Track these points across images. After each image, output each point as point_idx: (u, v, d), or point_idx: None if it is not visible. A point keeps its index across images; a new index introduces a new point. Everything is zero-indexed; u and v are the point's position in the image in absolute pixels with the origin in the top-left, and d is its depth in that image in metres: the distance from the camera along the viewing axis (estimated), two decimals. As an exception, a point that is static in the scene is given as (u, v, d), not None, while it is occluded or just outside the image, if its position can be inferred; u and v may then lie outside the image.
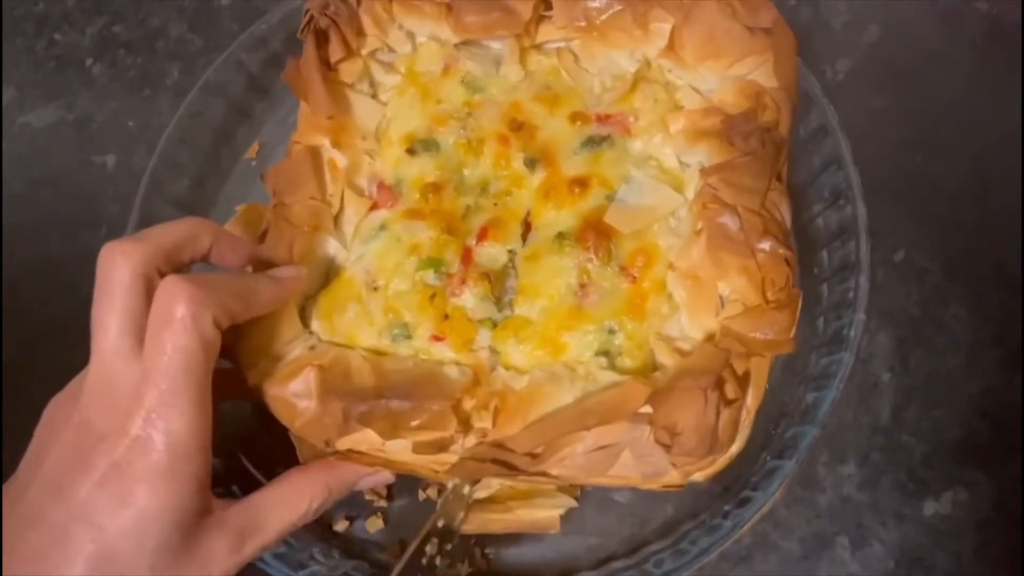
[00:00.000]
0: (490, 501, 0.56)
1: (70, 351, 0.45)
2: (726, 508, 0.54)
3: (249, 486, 0.49)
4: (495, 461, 0.47)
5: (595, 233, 0.52)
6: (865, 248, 0.56)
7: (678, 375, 0.46)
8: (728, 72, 0.55)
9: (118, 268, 0.42)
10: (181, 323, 0.40)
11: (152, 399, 0.40)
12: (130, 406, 0.40)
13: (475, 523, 0.55)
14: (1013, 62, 0.67)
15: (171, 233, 0.45)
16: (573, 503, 0.56)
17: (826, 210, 0.60)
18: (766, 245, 0.48)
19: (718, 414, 0.45)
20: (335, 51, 0.57)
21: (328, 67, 0.57)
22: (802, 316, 0.47)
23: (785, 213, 0.51)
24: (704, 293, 0.49)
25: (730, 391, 0.45)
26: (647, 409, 0.44)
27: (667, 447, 0.45)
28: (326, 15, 0.57)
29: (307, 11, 0.58)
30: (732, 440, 0.47)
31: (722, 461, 0.48)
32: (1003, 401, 0.58)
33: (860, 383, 0.59)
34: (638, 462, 0.46)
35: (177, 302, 0.40)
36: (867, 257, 0.55)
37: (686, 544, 0.54)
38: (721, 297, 0.49)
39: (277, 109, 0.70)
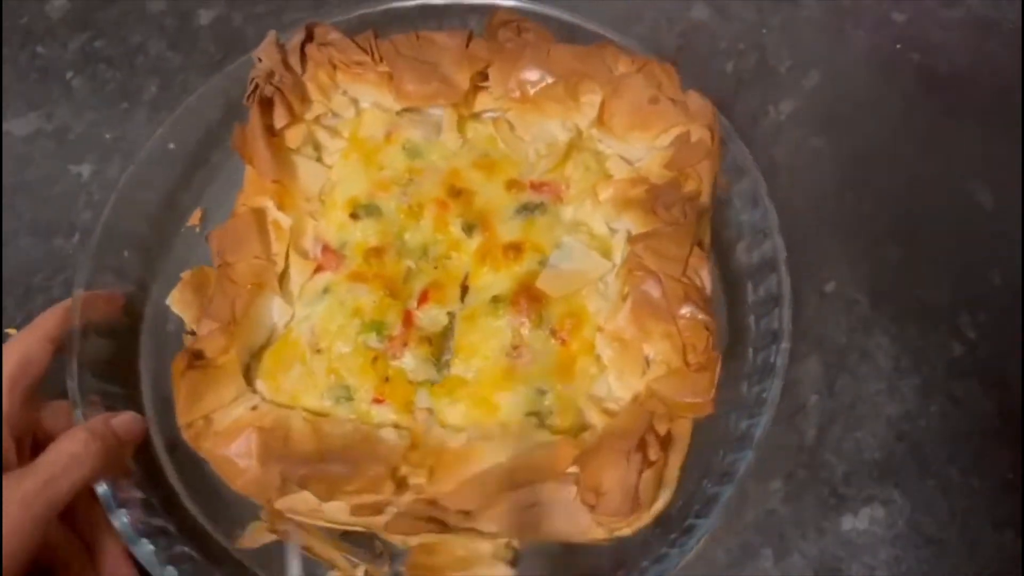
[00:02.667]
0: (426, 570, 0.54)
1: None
2: (672, 537, 0.54)
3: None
4: (428, 519, 0.48)
5: (528, 297, 0.55)
6: (786, 281, 0.58)
7: (604, 436, 0.49)
8: (654, 143, 0.58)
9: None
10: None
11: None
12: None
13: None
14: (942, 111, 0.72)
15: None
16: (510, 572, 0.53)
17: (749, 246, 0.63)
18: (686, 311, 0.51)
19: (640, 475, 0.47)
20: (279, 118, 0.60)
21: (272, 133, 0.59)
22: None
23: (705, 278, 0.53)
24: (630, 355, 0.52)
25: (652, 452, 0.47)
26: (574, 469, 0.47)
27: (591, 507, 0.47)
28: (271, 83, 0.59)
29: (253, 80, 0.60)
30: (654, 499, 0.49)
31: (646, 517, 0.49)
32: (920, 425, 0.62)
33: (788, 405, 0.63)
34: (566, 520, 0.48)
35: None
36: (788, 290, 0.58)
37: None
38: (647, 359, 0.52)
39: (217, 176, 0.68)
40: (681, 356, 0.51)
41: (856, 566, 0.58)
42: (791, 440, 0.62)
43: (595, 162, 0.60)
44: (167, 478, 0.56)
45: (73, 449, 0.46)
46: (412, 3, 0.68)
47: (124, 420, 0.52)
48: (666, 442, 0.49)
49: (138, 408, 0.57)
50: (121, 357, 0.59)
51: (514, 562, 0.54)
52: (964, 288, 0.66)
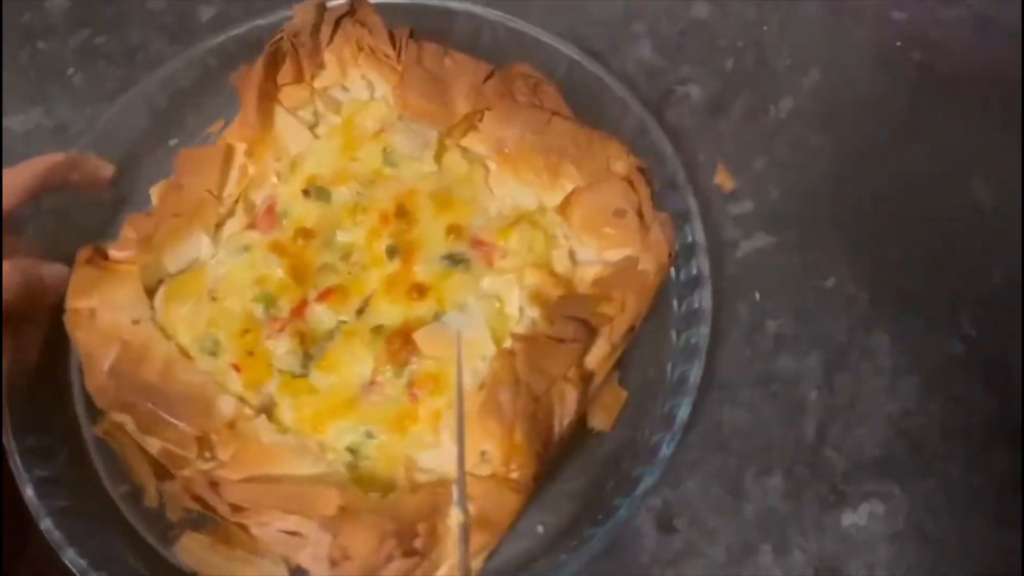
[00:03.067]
0: (218, 540, 0.54)
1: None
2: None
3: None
4: (199, 498, 0.49)
5: (403, 341, 0.54)
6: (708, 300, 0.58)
7: (390, 505, 0.48)
8: (603, 254, 0.57)
9: None
10: None
11: None
12: None
13: (192, 554, 0.54)
14: (942, 109, 0.72)
15: None
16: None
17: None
18: (521, 434, 0.50)
19: (388, 560, 0.46)
20: (284, 74, 0.61)
21: (274, 85, 0.61)
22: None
23: (567, 408, 0.52)
24: (467, 441, 0.50)
25: (419, 544, 0.47)
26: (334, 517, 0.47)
27: (333, 564, 0.47)
28: (291, 41, 0.60)
29: (281, 33, 0.62)
30: None
31: None
32: (919, 423, 0.62)
33: (788, 402, 0.63)
34: (315, 561, 0.48)
35: None
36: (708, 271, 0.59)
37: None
38: (483, 452, 0.51)
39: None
40: (506, 467, 0.50)
41: (856, 563, 0.58)
42: (791, 437, 0.62)
43: (542, 245, 0.58)
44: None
45: None
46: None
47: (52, 268, 0.56)
48: (434, 544, 0.48)
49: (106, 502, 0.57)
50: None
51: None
52: (965, 286, 0.66)
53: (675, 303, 0.61)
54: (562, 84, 0.64)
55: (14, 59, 0.81)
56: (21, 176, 0.55)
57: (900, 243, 0.67)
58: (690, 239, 0.60)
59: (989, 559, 0.58)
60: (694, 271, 0.59)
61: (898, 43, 0.75)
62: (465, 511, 0.47)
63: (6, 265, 0.52)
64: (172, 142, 0.70)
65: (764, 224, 0.68)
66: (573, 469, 0.58)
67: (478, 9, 0.69)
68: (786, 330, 0.65)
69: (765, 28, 0.76)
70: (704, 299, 0.58)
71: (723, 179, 0.69)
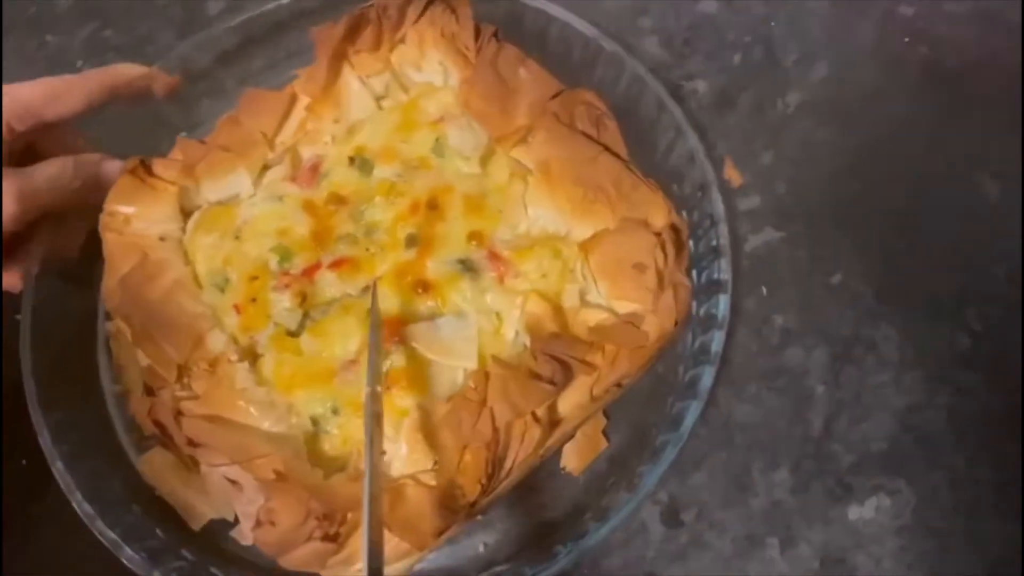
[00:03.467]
0: (181, 464, 0.56)
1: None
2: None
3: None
4: (159, 423, 0.53)
5: (392, 330, 0.54)
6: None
7: (327, 487, 0.49)
8: (612, 302, 0.55)
9: None
10: None
11: None
12: None
13: (154, 469, 0.56)
14: (949, 103, 0.72)
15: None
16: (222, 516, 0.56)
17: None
18: (472, 457, 0.50)
19: (307, 539, 0.48)
20: (363, 41, 0.62)
21: (350, 48, 0.62)
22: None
23: (525, 446, 0.51)
24: (420, 448, 0.51)
25: (341, 532, 0.49)
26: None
27: (258, 525, 0.49)
28: (379, 11, 0.61)
29: (373, 3, 0.63)
30: (308, 567, 0.50)
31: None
32: (926, 417, 0.62)
33: (795, 396, 0.63)
34: (244, 517, 0.52)
35: None
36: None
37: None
38: (435, 463, 0.51)
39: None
40: (450, 484, 0.50)
41: (862, 556, 0.59)
42: (797, 430, 0.62)
43: (557, 276, 0.56)
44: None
45: (54, 172, 0.55)
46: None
47: (112, 165, 0.59)
48: (346, 533, 0.49)
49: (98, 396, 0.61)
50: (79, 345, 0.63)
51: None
52: (970, 280, 0.66)
53: (694, 306, 0.60)
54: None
55: (22, 51, 0.81)
56: (89, 83, 0.57)
57: (906, 238, 0.68)
58: (714, 243, 0.59)
59: (995, 552, 0.58)
60: (716, 275, 0.59)
61: (906, 38, 0.75)
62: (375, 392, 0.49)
63: (70, 161, 0.56)
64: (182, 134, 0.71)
65: (772, 219, 0.69)
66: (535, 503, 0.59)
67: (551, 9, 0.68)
68: (793, 324, 0.65)
69: (773, 23, 0.76)
70: (722, 304, 0.57)
71: (731, 174, 0.69)
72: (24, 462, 0.64)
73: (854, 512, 0.60)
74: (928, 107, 0.72)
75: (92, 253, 0.63)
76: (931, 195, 0.69)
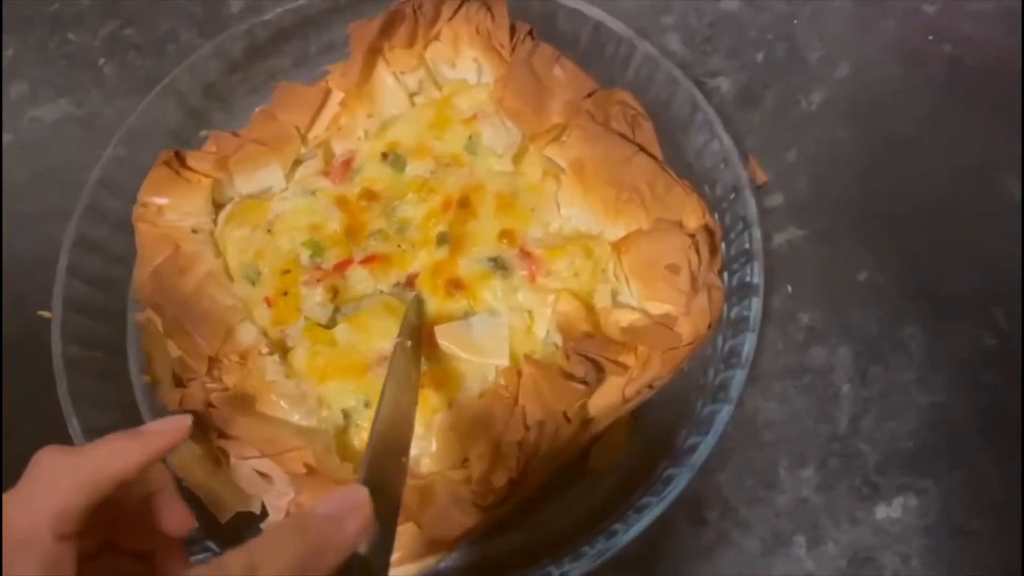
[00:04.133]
0: (208, 455, 0.54)
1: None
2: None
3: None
4: (198, 414, 0.52)
5: (430, 332, 0.54)
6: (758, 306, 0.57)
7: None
8: (644, 303, 0.55)
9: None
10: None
11: None
12: None
13: (180, 458, 0.54)
14: (973, 100, 0.72)
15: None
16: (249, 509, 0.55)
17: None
18: (503, 455, 0.49)
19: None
20: (398, 37, 0.62)
21: (386, 44, 0.62)
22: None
23: (557, 445, 0.51)
24: (449, 445, 0.51)
25: None
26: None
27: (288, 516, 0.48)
28: (414, 7, 0.62)
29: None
30: None
31: None
32: (952, 416, 0.62)
33: (821, 394, 0.63)
34: (274, 510, 0.51)
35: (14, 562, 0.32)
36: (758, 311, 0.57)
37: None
38: (465, 460, 0.50)
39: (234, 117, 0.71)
40: (480, 481, 0.49)
41: (889, 555, 0.58)
42: (823, 429, 0.62)
43: (588, 276, 0.56)
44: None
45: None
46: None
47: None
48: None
49: (126, 385, 0.61)
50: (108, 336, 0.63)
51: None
52: (996, 278, 0.66)
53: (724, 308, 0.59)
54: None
55: (44, 49, 0.81)
56: (141, 441, 0.38)
57: (932, 236, 0.67)
58: (747, 246, 0.59)
59: (1022, 550, 0.58)
60: (747, 279, 0.58)
61: (929, 36, 0.75)
62: None
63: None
64: (202, 133, 0.71)
65: (795, 217, 0.68)
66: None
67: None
68: (818, 322, 0.65)
69: (795, 21, 0.76)
70: (754, 308, 0.57)
71: (754, 172, 0.69)
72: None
73: (881, 511, 0.59)
74: (951, 105, 0.72)
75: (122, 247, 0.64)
76: (955, 193, 0.69)
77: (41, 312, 0.68)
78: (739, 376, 0.55)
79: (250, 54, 0.72)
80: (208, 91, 0.71)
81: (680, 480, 0.53)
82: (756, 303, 0.57)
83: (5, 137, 0.77)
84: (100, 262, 0.64)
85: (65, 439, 0.55)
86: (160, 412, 0.60)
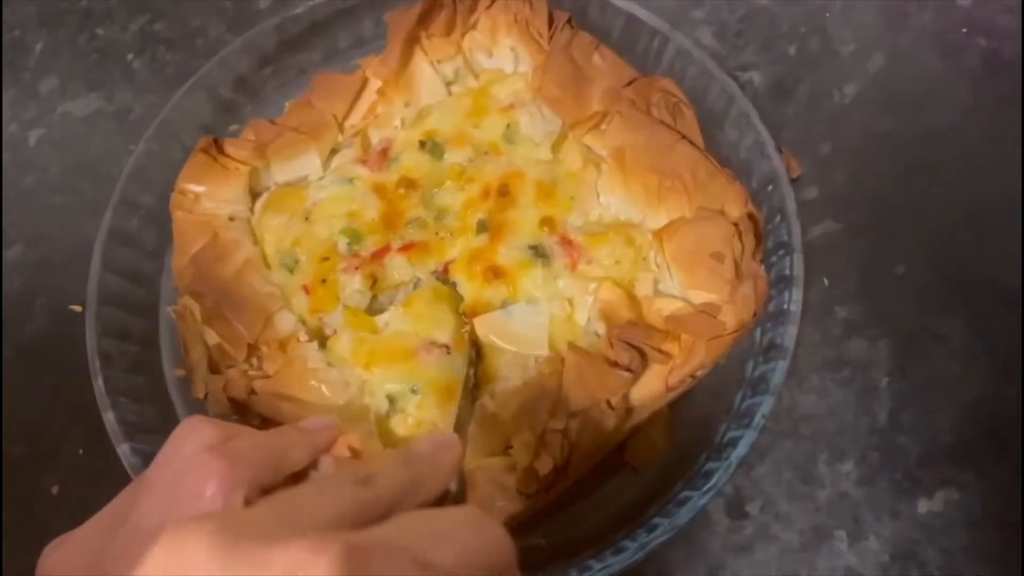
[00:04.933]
0: None
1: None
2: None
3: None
4: (234, 400, 0.52)
5: (467, 319, 0.54)
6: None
7: None
8: (687, 292, 0.54)
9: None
10: (209, 506, 0.34)
11: None
12: None
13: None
14: (1008, 94, 0.71)
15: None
16: None
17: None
18: (548, 443, 0.49)
19: None
20: (437, 25, 0.62)
21: (423, 32, 0.62)
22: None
23: (601, 434, 0.50)
24: (491, 432, 0.51)
25: None
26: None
27: None
28: None
29: None
30: None
31: None
32: (995, 409, 0.61)
33: (860, 387, 0.62)
34: None
35: (206, 483, 0.34)
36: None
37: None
38: (508, 449, 0.50)
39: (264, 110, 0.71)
40: (524, 470, 0.49)
41: (932, 550, 0.58)
42: (863, 422, 0.61)
43: (630, 264, 0.55)
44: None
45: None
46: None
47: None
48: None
49: (159, 379, 0.61)
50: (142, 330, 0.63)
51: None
52: (1037, 271, 0.65)
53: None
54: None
55: (74, 44, 0.82)
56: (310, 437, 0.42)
57: (970, 229, 0.67)
58: (785, 238, 0.58)
59: (1067, 546, 0.57)
60: (786, 271, 0.57)
61: (963, 29, 0.74)
62: None
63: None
64: (232, 127, 0.71)
65: (831, 210, 0.68)
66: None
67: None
68: (856, 315, 0.64)
69: (827, 14, 0.76)
70: (795, 299, 0.56)
71: (789, 165, 0.69)
72: (81, 451, 0.64)
73: (923, 505, 0.59)
74: (987, 98, 0.71)
75: (154, 241, 0.64)
76: (993, 186, 0.68)
77: (72, 306, 0.69)
78: (780, 368, 0.55)
79: (280, 48, 0.72)
80: (239, 85, 0.71)
81: (721, 473, 0.53)
82: (797, 293, 0.56)
83: (37, 131, 0.77)
84: (133, 255, 0.64)
85: (97, 432, 0.55)
86: (195, 406, 0.60)
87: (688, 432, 0.59)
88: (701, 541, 0.58)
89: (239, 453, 0.36)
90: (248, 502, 0.35)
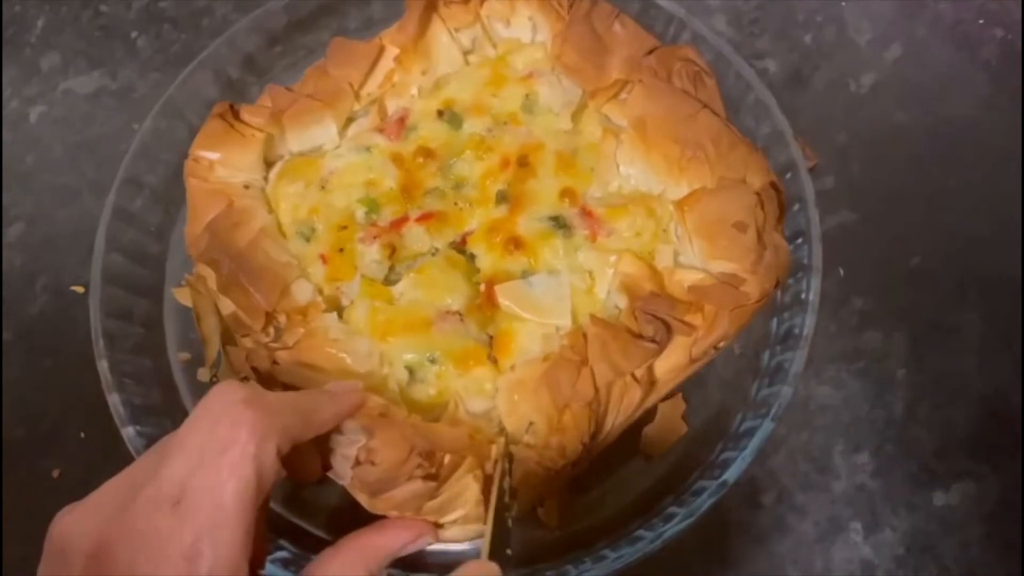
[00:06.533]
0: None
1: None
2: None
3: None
4: (257, 370, 0.51)
5: (487, 289, 0.53)
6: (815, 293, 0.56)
7: (428, 429, 0.46)
8: (709, 263, 0.53)
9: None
10: (242, 453, 0.35)
11: (201, 523, 0.34)
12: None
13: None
14: (1025, 85, 0.71)
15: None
16: None
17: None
18: (572, 417, 0.48)
19: (408, 478, 0.44)
20: None
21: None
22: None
23: (626, 406, 0.50)
24: (517, 407, 0.50)
25: (443, 472, 0.45)
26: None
27: (357, 463, 0.44)
28: None
29: None
30: (402, 509, 0.46)
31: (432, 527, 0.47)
32: (1011, 402, 0.61)
33: (876, 379, 0.62)
34: (342, 459, 0.45)
35: (239, 430, 0.35)
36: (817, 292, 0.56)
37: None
38: (531, 423, 0.49)
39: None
40: (547, 446, 0.48)
41: (948, 543, 0.57)
42: (879, 414, 0.61)
43: (651, 236, 0.54)
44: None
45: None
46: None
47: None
48: (447, 473, 0.46)
49: (164, 362, 0.60)
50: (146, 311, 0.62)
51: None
52: (1054, 265, 0.64)
53: (778, 292, 0.58)
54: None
55: (77, 20, 0.80)
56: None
57: (987, 220, 0.66)
58: (803, 227, 0.57)
59: (1083, 540, 0.57)
60: (804, 260, 0.57)
61: (980, 20, 0.74)
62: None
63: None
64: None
65: (847, 200, 0.67)
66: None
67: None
68: (871, 307, 0.64)
69: (844, 3, 0.75)
70: (813, 288, 0.55)
71: (805, 154, 0.68)
72: (82, 435, 0.63)
73: (939, 498, 0.58)
74: (1004, 88, 0.71)
75: (159, 220, 0.63)
76: (1007, 178, 0.68)
77: (74, 287, 0.67)
78: (799, 358, 0.54)
79: (289, 28, 0.71)
80: (246, 65, 0.70)
81: (737, 463, 0.52)
82: (816, 283, 0.55)
83: (39, 108, 0.76)
84: (138, 235, 0.63)
85: (98, 415, 0.54)
86: (200, 389, 0.58)
87: (704, 422, 0.58)
88: (717, 531, 0.58)
89: (271, 406, 0.37)
90: (280, 452, 0.37)
